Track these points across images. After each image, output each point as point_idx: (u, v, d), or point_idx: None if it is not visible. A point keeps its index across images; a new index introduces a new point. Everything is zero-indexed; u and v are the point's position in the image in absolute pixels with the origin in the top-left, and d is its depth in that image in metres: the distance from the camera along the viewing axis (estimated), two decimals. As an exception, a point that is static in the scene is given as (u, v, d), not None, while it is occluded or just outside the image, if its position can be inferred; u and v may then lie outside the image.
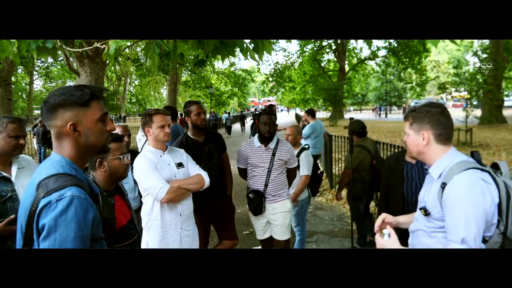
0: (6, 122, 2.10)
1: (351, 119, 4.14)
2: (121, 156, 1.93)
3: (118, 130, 2.93)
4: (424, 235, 1.59)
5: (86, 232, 1.11)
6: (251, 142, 3.19)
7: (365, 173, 3.96)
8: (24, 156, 2.28)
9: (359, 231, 4.27)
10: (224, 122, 24.16)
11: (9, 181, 2.07)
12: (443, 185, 1.47)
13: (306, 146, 4.11)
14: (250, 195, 3.12)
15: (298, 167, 3.67)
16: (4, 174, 2.07)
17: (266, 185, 3.08)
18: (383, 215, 1.85)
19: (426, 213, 1.55)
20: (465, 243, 1.38)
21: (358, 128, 4.06)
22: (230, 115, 24.54)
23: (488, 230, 1.43)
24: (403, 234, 2.95)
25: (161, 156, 2.51)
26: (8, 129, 2.08)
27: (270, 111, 3.18)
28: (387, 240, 1.57)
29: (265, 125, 3.05)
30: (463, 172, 1.44)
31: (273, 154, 3.08)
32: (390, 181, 3.04)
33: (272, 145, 3.11)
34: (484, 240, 1.43)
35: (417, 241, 1.63)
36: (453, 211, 1.42)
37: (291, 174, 3.28)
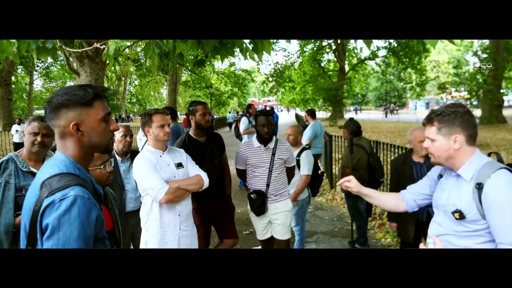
0: (30, 120, 2.24)
1: (350, 119, 4.14)
2: (102, 166, 1.90)
3: (120, 130, 2.93)
4: (455, 239, 1.52)
5: (89, 231, 1.11)
6: (250, 143, 3.18)
7: (362, 171, 4.02)
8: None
9: (358, 230, 4.27)
10: (232, 121, 26.16)
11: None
12: (479, 186, 1.42)
13: (307, 146, 4.11)
14: (252, 196, 3.11)
15: (298, 166, 3.67)
16: (32, 169, 2.16)
17: (268, 185, 3.08)
18: (349, 177, 1.89)
19: (461, 216, 1.47)
20: None
21: (354, 128, 4.12)
22: (239, 114, 25.51)
23: None
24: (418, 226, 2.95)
25: (160, 156, 2.51)
26: (29, 127, 2.20)
27: (265, 112, 3.16)
28: (433, 249, 1.53)
29: (263, 126, 3.05)
30: (498, 171, 1.40)
31: (273, 154, 3.09)
32: (400, 184, 3.04)
33: (271, 145, 3.11)
34: None
35: (447, 245, 1.56)
36: (498, 213, 1.37)
37: (289, 172, 3.29)
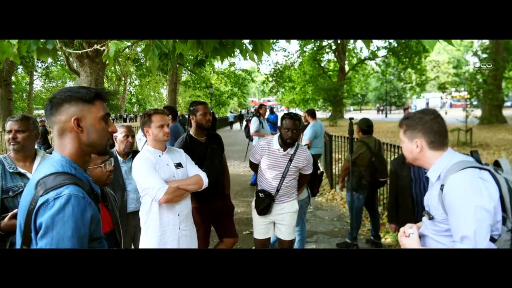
0: (6, 121, 2.20)
1: (351, 119, 4.15)
2: (102, 165, 1.89)
3: (122, 130, 2.93)
4: (432, 240, 1.60)
5: (83, 231, 1.11)
6: (271, 141, 3.03)
7: (363, 167, 4.11)
8: (49, 154, 2.34)
9: (351, 224, 4.31)
10: (232, 120, 29.39)
11: (25, 176, 2.13)
12: (442, 187, 1.48)
13: (306, 147, 4.11)
14: (260, 194, 3.00)
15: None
16: (20, 169, 2.13)
17: (278, 190, 2.98)
18: (407, 226, 1.76)
19: (430, 217, 1.57)
20: (465, 240, 1.38)
21: (364, 126, 4.24)
22: (248, 113, 27.66)
23: (495, 229, 1.42)
24: None
25: (160, 156, 2.51)
26: (6, 127, 2.18)
27: (292, 115, 2.94)
28: (409, 239, 1.61)
29: (287, 130, 2.85)
30: (458, 172, 1.45)
31: (290, 160, 2.95)
32: (398, 183, 3.06)
33: (291, 151, 2.96)
34: (493, 239, 1.42)
35: (428, 243, 1.64)
36: (452, 212, 1.44)
37: (303, 179, 3.17)
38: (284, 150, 2.94)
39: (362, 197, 4.19)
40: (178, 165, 2.55)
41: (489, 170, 1.48)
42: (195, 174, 2.58)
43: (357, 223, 4.29)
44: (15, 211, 1.93)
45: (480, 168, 1.47)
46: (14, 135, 2.14)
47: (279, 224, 3.09)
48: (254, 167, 3.19)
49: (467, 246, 1.37)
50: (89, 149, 1.26)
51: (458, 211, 1.41)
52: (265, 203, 2.99)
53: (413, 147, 1.61)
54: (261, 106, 7.62)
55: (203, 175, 2.59)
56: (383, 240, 4.49)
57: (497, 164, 1.60)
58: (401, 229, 1.68)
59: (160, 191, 2.32)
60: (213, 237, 3.37)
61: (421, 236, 1.67)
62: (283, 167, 2.95)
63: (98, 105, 1.25)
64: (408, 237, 1.61)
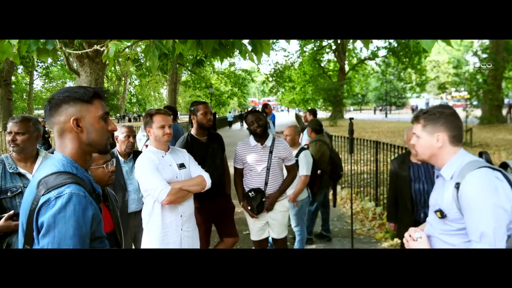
0: (9, 120, 2.20)
1: (351, 119, 4.15)
2: (104, 165, 1.90)
3: (123, 131, 2.92)
4: (438, 240, 1.57)
5: (85, 229, 1.11)
6: (247, 141, 3.16)
7: (325, 164, 4.33)
8: (51, 154, 2.34)
9: (323, 218, 4.58)
10: (231, 120, 31.15)
11: (25, 177, 2.13)
12: (457, 185, 1.46)
13: (305, 146, 4.12)
14: (250, 194, 3.07)
15: (296, 166, 3.66)
16: (21, 170, 2.13)
17: (266, 183, 3.06)
18: (412, 230, 1.71)
19: (442, 215, 1.53)
20: (483, 239, 1.37)
21: (316, 126, 4.56)
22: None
23: (508, 228, 1.42)
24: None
25: (162, 156, 2.50)
26: (7, 126, 2.18)
27: (251, 110, 3.21)
28: (418, 243, 1.58)
29: (252, 124, 3.05)
30: (476, 170, 1.43)
31: (270, 152, 3.06)
32: (397, 183, 3.07)
33: (268, 143, 3.08)
34: None
35: (435, 244, 1.60)
36: (470, 210, 1.41)
37: (291, 171, 3.22)
38: (262, 144, 3.08)
39: (324, 194, 4.49)
40: (181, 166, 2.54)
41: (500, 171, 1.46)
42: (198, 175, 2.57)
43: (315, 218, 4.55)
44: (11, 212, 1.93)
45: (493, 169, 1.46)
46: (13, 137, 2.13)
47: (272, 224, 3.13)
48: (241, 172, 3.20)
49: (486, 245, 1.36)
50: (90, 148, 1.26)
51: (476, 210, 1.39)
52: (258, 199, 3.04)
53: (434, 141, 1.55)
54: (266, 105, 7.44)
55: (206, 176, 2.58)
56: (383, 240, 4.49)
57: (504, 166, 1.59)
58: (406, 234, 1.64)
59: (163, 192, 2.31)
60: (213, 237, 3.37)
61: (428, 237, 1.66)
62: (265, 160, 3.06)
63: (97, 104, 1.26)
64: (416, 241, 1.58)
